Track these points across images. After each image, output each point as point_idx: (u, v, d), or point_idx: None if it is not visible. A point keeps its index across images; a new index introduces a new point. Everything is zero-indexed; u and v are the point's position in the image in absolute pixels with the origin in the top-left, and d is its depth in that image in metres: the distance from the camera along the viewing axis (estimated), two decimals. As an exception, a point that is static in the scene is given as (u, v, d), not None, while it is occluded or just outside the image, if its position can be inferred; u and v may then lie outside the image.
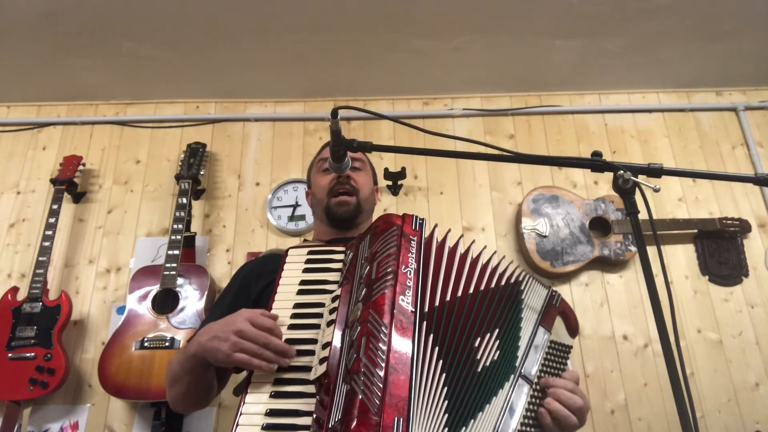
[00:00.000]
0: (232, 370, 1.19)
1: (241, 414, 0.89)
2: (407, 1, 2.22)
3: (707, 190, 2.63)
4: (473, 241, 1.12)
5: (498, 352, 0.97)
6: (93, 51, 2.45)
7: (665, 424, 2.21)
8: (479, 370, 0.93)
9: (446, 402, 0.85)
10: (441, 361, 0.88)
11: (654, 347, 2.34)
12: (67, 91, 2.74)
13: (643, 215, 0.94)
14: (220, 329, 0.99)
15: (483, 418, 0.89)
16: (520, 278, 1.10)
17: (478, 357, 0.94)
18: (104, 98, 2.81)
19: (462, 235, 1.12)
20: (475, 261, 1.06)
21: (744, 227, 2.49)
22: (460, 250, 1.06)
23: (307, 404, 0.88)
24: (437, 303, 0.94)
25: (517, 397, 0.95)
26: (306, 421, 0.86)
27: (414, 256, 0.96)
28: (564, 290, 2.42)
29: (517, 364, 0.99)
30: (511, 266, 1.11)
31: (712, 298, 2.43)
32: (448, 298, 0.97)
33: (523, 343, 1.02)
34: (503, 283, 1.07)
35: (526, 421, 0.95)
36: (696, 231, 2.52)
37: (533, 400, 0.98)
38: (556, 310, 1.12)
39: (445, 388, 0.86)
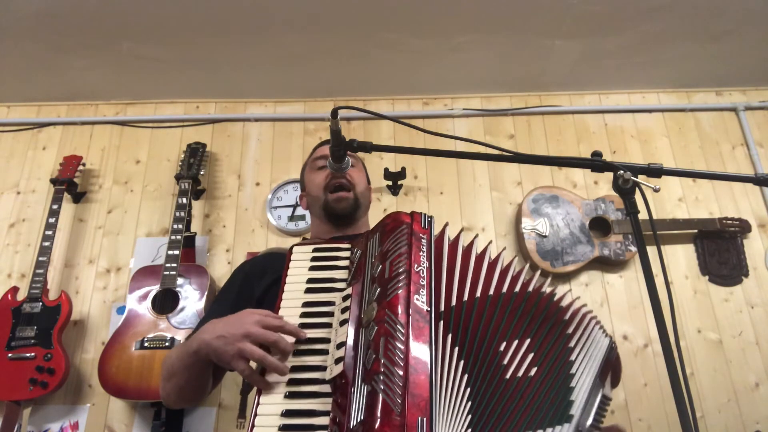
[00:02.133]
0: (228, 369, 1.19)
1: (256, 415, 0.88)
2: (407, 1, 2.22)
3: (707, 190, 2.63)
4: (490, 242, 1.12)
5: (535, 369, 0.96)
6: (93, 51, 2.45)
7: (665, 424, 2.20)
8: (507, 377, 0.92)
9: (469, 402, 0.85)
10: (462, 362, 0.88)
11: (654, 347, 2.34)
12: (67, 91, 2.74)
13: (643, 215, 0.94)
14: (224, 328, 0.97)
15: None
16: (569, 305, 1.09)
17: (505, 362, 0.94)
18: (104, 98, 2.81)
19: (477, 235, 1.12)
20: (493, 263, 1.06)
21: (744, 227, 2.49)
22: (476, 250, 1.06)
23: (323, 404, 0.87)
24: (454, 303, 0.94)
25: None
26: (323, 421, 0.85)
27: (425, 254, 0.96)
28: (564, 290, 2.42)
29: (572, 413, 0.96)
30: (548, 284, 1.11)
31: (712, 298, 2.43)
32: (465, 298, 0.96)
33: (579, 395, 0.99)
34: (530, 289, 1.06)
35: None
36: (696, 231, 2.52)
37: None
38: (611, 365, 1.11)
39: (468, 389, 0.86)
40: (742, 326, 2.38)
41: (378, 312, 0.87)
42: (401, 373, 0.79)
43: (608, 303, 2.41)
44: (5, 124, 2.75)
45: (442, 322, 0.89)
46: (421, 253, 0.96)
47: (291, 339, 0.95)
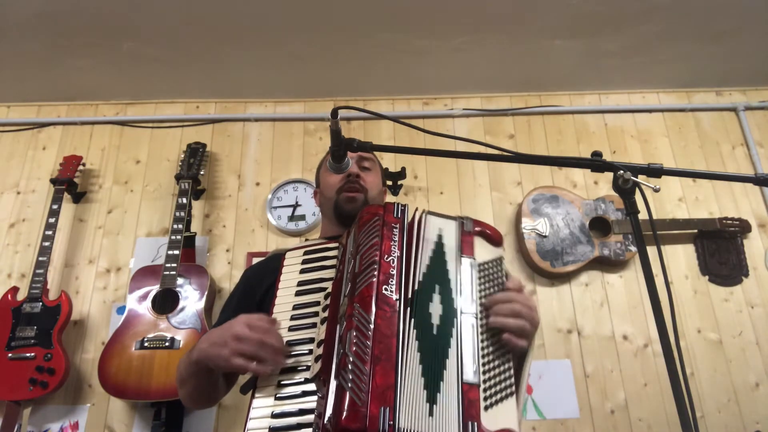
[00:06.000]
0: (239, 371, 1.20)
1: (249, 419, 0.92)
2: (407, 1, 2.22)
3: (707, 190, 2.63)
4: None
5: (441, 306, 0.94)
6: (93, 51, 2.45)
7: (665, 424, 2.21)
8: (435, 332, 0.91)
9: (423, 379, 0.85)
10: (418, 342, 0.88)
11: (654, 347, 2.34)
12: (67, 91, 2.74)
13: (643, 215, 0.94)
14: (218, 335, 1.00)
15: (448, 374, 0.87)
16: (425, 222, 1.05)
17: (432, 321, 0.92)
18: (104, 98, 2.81)
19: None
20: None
21: (744, 227, 2.49)
22: None
23: (311, 402, 0.91)
24: None
25: (466, 336, 0.92)
26: (309, 418, 0.90)
27: (397, 243, 0.97)
28: (564, 290, 2.42)
29: (456, 306, 0.95)
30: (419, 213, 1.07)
31: (712, 298, 2.43)
32: None
33: (454, 285, 0.98)
34: (430, 236, 1.03)
35: (486, 351, 0.93)
36: (696, 231, 2.52)
37: (484, 328, 0.96)
38: (472, 236, 1.07)
39: (420, 366, 0.86)
40: (742, 326, 2.38)
41: (347, 307, 0.89)
42: (366, 366, 0.81)
43: (608, 303, 2.41)
44: (5, 124, 2.75)
45: (409, 308, 0.90)
46: (392, 243, 0.97)
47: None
